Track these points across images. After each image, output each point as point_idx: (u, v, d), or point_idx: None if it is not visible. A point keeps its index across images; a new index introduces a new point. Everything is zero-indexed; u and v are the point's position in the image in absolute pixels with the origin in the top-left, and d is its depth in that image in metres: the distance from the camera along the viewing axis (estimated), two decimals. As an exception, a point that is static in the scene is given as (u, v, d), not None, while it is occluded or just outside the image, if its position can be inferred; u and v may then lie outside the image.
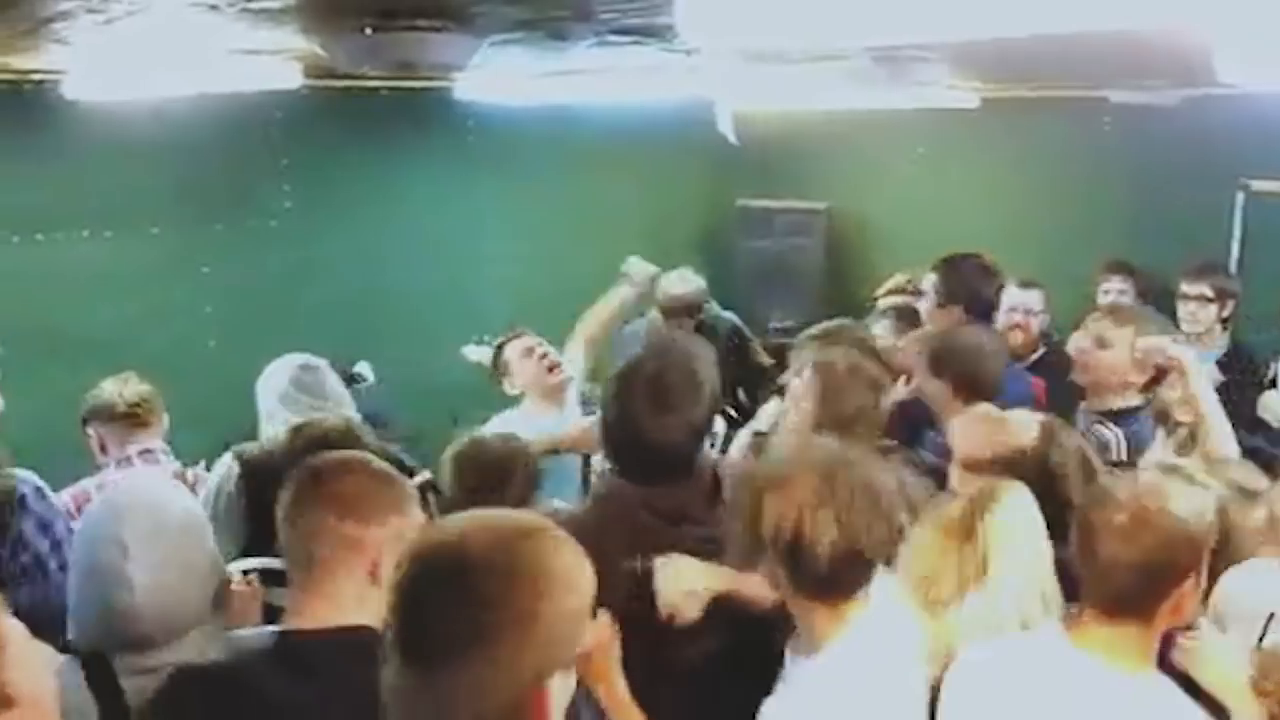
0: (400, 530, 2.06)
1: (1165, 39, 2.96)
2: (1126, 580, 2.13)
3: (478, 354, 5.34)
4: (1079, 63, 4.18)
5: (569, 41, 3.41)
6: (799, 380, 3.46)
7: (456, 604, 1.50)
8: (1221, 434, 3.34)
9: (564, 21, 3.06)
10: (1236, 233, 5.65)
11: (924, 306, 4.57)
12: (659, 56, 3.79)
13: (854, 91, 4.49)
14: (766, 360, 5.76)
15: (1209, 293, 5.10)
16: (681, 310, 5.41)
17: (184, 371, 5.48)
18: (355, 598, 2.04)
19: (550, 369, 4.44)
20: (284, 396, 3.69)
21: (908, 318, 4.84)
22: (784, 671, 2.33)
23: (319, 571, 2.05)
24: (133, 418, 3.96)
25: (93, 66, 3.98)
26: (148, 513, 2.22)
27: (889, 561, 2.42)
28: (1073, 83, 5.50)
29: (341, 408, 3.73)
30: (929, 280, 4.52)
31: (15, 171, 5.53)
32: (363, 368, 5.58)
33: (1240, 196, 5.63)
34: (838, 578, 2.19)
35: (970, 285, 4.42)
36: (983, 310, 4.43)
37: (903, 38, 2.39)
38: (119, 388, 3.98)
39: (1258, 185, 5.56)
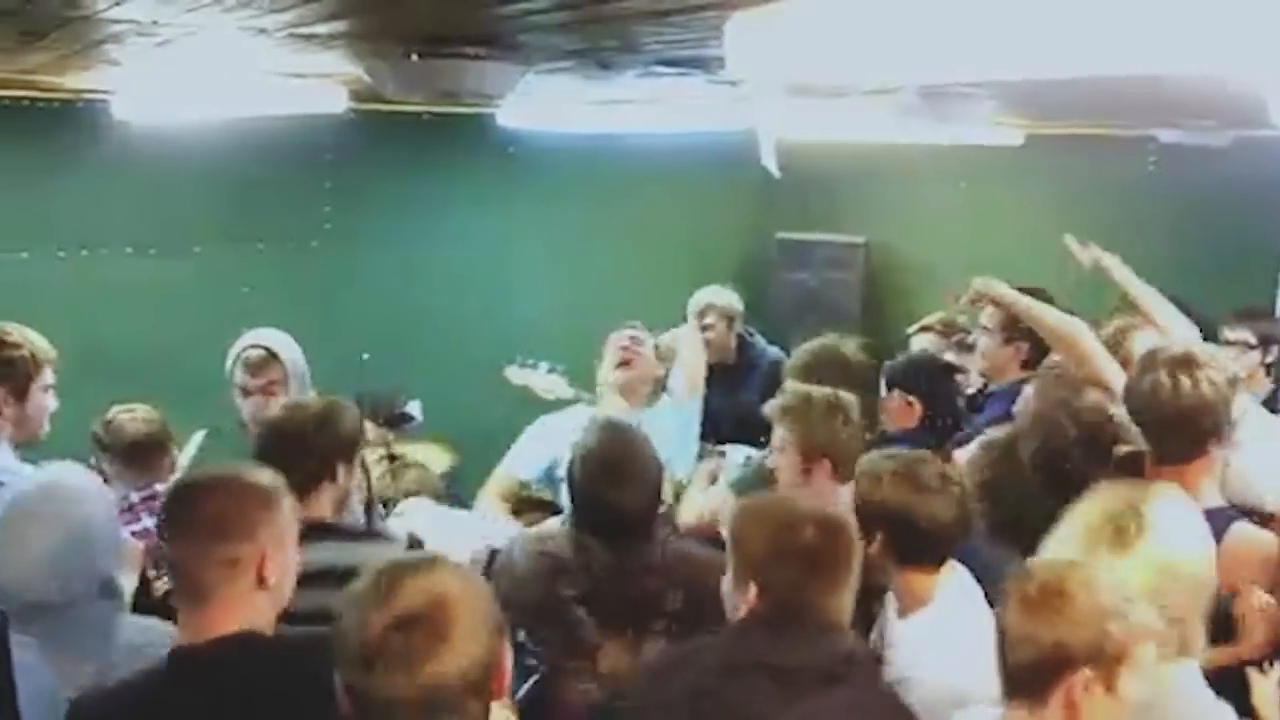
0: (279, 530, 2.16)
1: (1215, 81, 2.94)
2: (1018, 657, 2.05)
3: (521, 376, 5.30)
4: (1127, 102, 4.15)
5: (615, 71, 3.42)
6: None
7: None
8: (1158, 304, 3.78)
9: (611, 52, 3.06)
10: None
11: (985, 342, 4.49)
12: (704, 87, 3.79)
13: (899, 126, 4.47)
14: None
15: (1251, 339, 5.00)
16: (717, 314, 5.36)
17: (225, 388, 5.53)
18: (243, 605, 2.12)
19: (623, 362, 4.48)
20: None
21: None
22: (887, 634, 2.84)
23: (204, 589, 2.10)
24: (134, 457, 3.97)
25: (142, 87, 4.03)
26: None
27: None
28: (1120, 121, 5.46)
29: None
30: (989, 315, 4.43)
31: (64, 188, 5.61)
32: (413, 408, 5.56)
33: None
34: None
35: None
36: (1040, 345, 4.28)
37: (949, 76, 2.37)
38: (126, 418, 4.00)
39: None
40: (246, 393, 3.87)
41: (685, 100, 4.34)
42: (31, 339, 3.47)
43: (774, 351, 5.61)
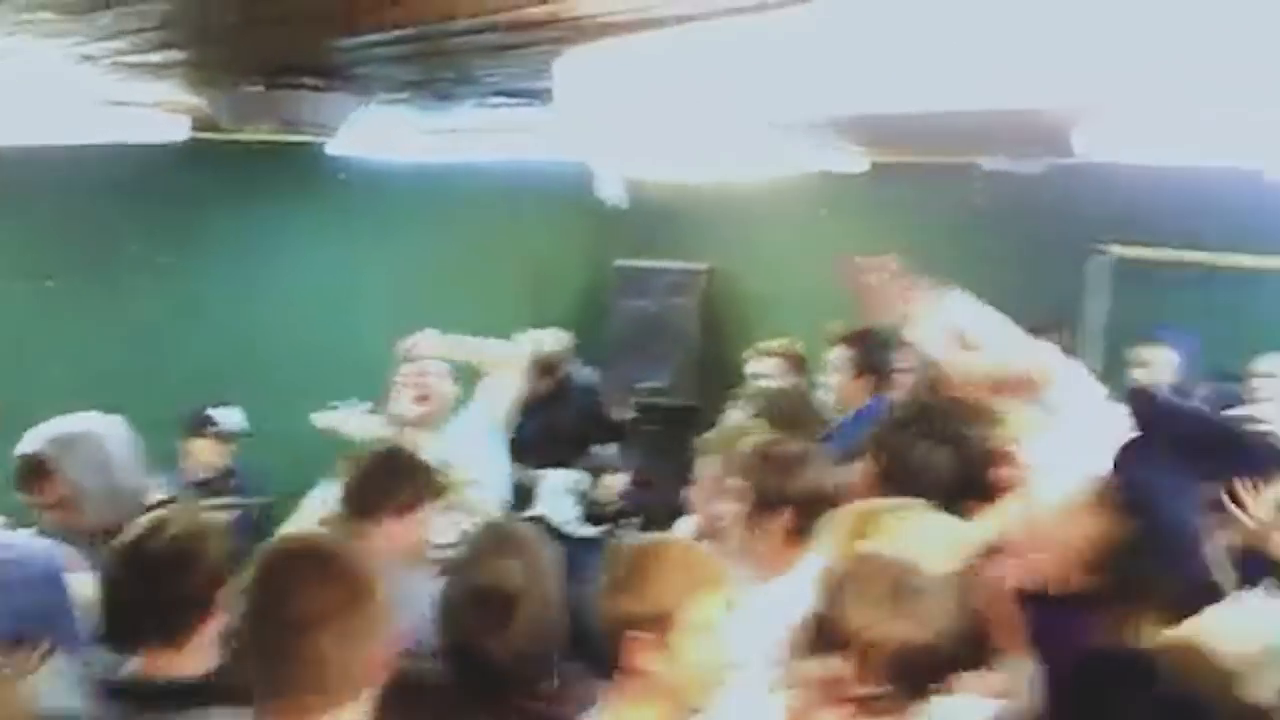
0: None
1: (1033, 112, 3.12)
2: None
3: (328, 420, 5.18)
4: (953, 131, 4.37)
5: (453, 102, 3.46)
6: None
7: None
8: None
9: (449, 83, 3.11)
10: (1096, 295, 5.88)
11: (836, 379, 4.64)
12: (540, 117, 3.85)
13: (740, 159, 4.59)
14: (620, 416, 5.84)
15: None
16: (541, 370, 5.42)
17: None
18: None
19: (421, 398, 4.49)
20: None
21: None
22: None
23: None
24: None
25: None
26: None
27: None
28: (949, 150, 5.71)
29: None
30: (838, 354, 4.61)
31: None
32: (225, 413, 5.43)
33: (1100, 261, 5.88)
34: None
35: (879, 356, 4.55)
36: (888, 377, 4.58)
37: (774, 114, 2.48)
38: None
39: (1118, 250, 5.81)
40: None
41: (522, 129, 4.39)
42: None
43: (587, 374, 5.71)
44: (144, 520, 2.32)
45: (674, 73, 1.83)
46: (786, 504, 2.85)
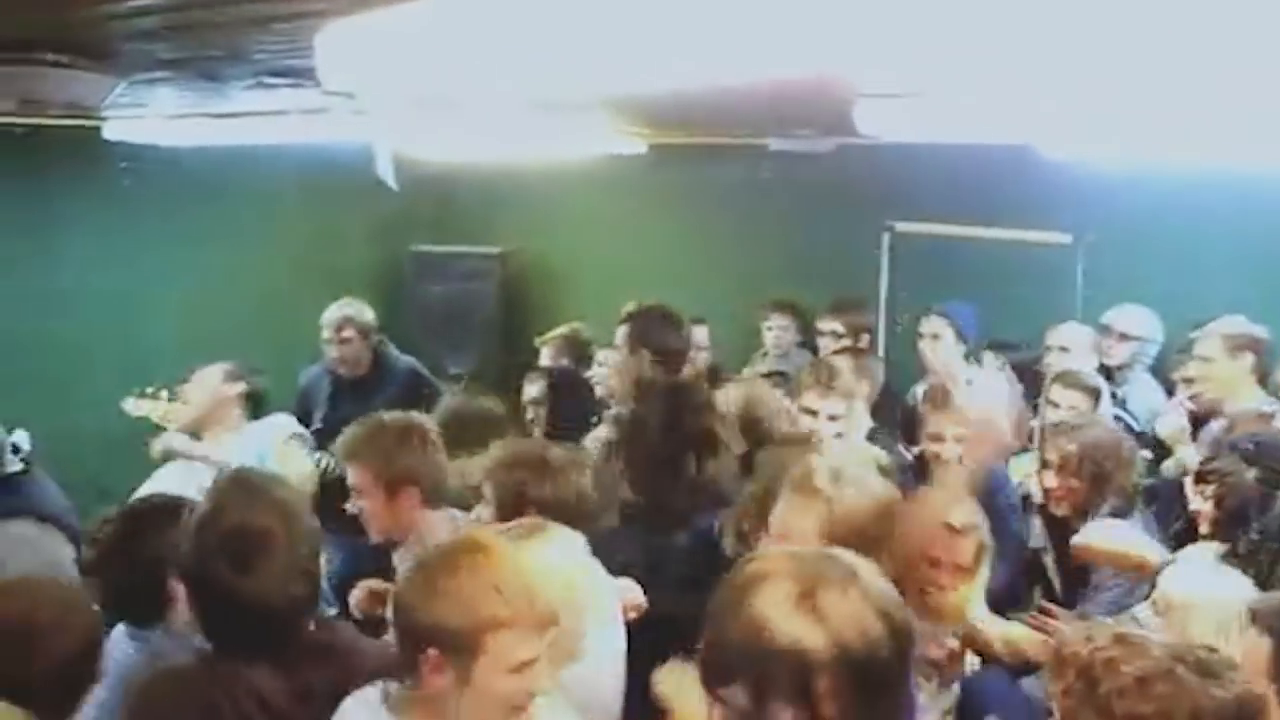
0: None
1: (814, 92, 3.15)
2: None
3: (139, 408, 5.08)
4: (736, 112, 4.39)
5: (223, 82, 3.29)
6: None
7: None
8: None
9: (216, 61, 2.95)
10: (884, 271, 6.04)
11: (615, 357, 4.65)
12: (321, 99, 3.71)
13: (517, 139, 4.53)
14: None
15: (840, 328, 5.50)
16: (349, 325, 5.29)
17: None
18: None
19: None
20: None
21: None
22: None
23: None
24: None
25: None
26: None
27: None
28: (734, 131, 5.76)
29: None
30: (619, 331, 4.57)
31: None
32: (19, 438, 5.18)
33: (886, 237, 6.03)
34: None
35: (656, 332, 4.50)
36: (671, 355, 4.50)
37: (544, 90, 2.42)
38: None
39: (901, 227, 5.97)
40: None
41: (305, 111, 4.24)
42: None
43: (407, 360, 5.60)
44: None
45: (439, 47, 1.75)
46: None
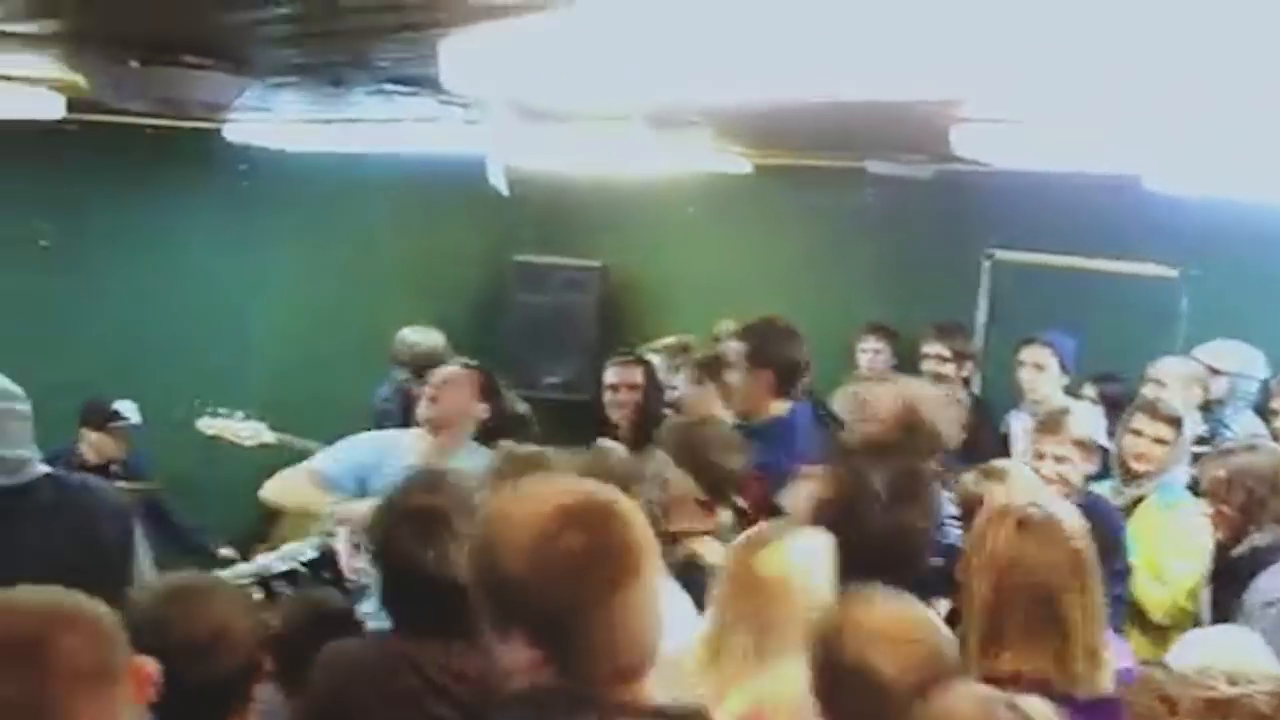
0: None
1: (915, 116, 3.19)
2: None
3: (214, 427, 5.16)
4: (836, 133, 4.43)
5: (345, 88, 3.42)
6: None
7: None
8: None
9: (341, 68, 3.08)
10: (981, 298, 6.02)
11: (733, 375, 4.31)
12: (436, 108, 3.83)
13: (626, 153, 4.60)
14: (521, 408, 5.80)
15: (946, 352, 5.49)
16: (422, 361, 5.38)
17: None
18: None
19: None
20: None
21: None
22: None
23: None
24: None
25: None
26: None
27: None
28: (834, 153, 5.80)
29: None
30: (733, 347, 4.34)
31: None
32: (124, 406, 5.39)
33: (985, 265, 6.02)
34: None
35: (779, 349, 4.25)
36: (795, 371, 4.27)
37: (662, 101, 2.50)
38: None
39: (1001, 254, 5.96)
40: None
41: (420, 120, 4.37)
42: None
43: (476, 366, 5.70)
44: None
45: (557, 59, 1.83)
46: None
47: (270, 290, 6.85)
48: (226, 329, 6.63)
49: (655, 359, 5.50)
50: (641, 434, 4.55)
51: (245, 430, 5.12)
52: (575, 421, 5.93)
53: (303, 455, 5.09)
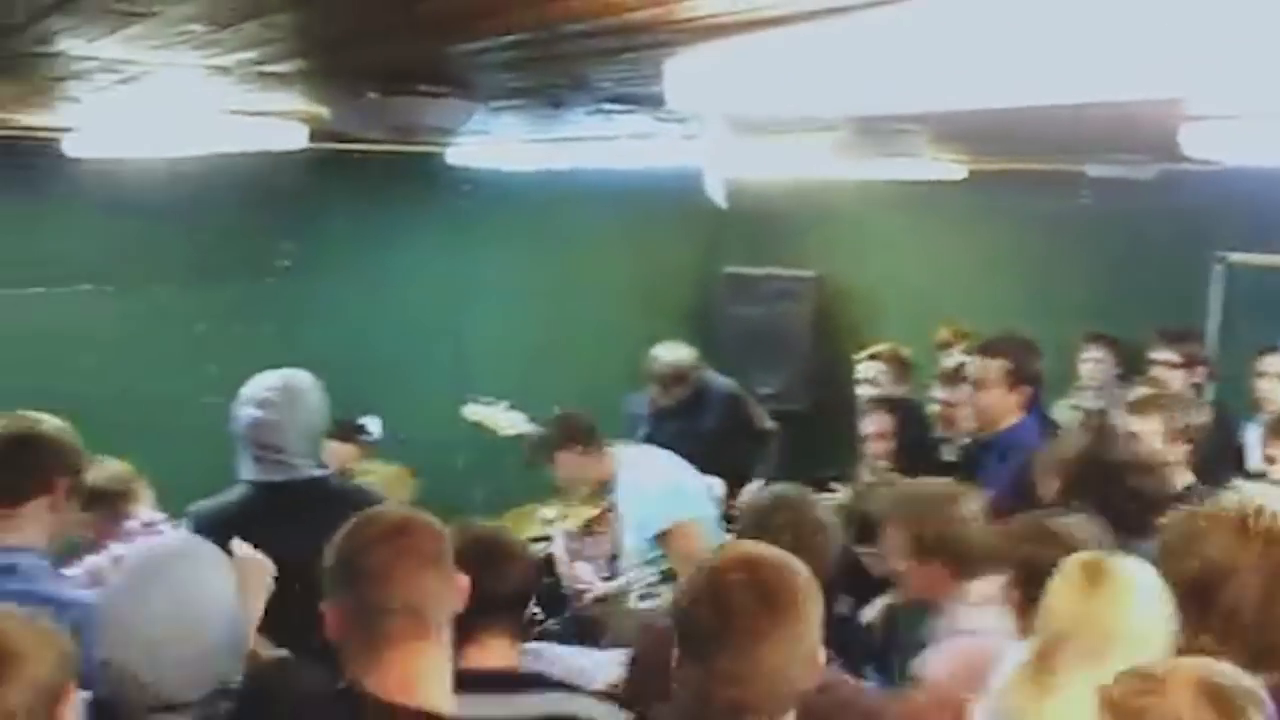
0: None
1: (1139, 116, 3.10)
2: None
3: (478, 413, 5.45)
4: (1056, 136, 4.32)
5: (564, 109, 3.53)
6: None
7: None
8: None
9: (561, 90, 3.18)
10: (1213, 303, 5.77)
11: (988, 397, 4.33)
12: (652, 124, 3.91)
13: (841, 162, 4.61)
14: (769, 424, 5.83)
15: (1176, 358, 5.26)
16: (673, 378, 5.48)
17: (179, 428, 5.56)
18: None
19: None
20: (241, 444, 3.37)
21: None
22: None
23: None
24: (121, 495, 3.97)
25: (100, 124, 4.09)
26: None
27: None
28: (1052, 156, 5.65)
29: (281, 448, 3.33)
30: (984, 364, 4.35)
31: (18, 226, 5.63)
32: (369, 421, 5.67)
33: (1218, 269, 5.77)
34: None
35: (1034, 366, 4.33)
36: (1039, 386, 4.36)
37: (880, 109, 2.50)
38: (96, 472, 3.80)
39: (1234, 258, 5.70)
40: None
41: (634, 137, 4.46)
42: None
43: (726, 382, 5.74)
44: None
45: (783, 72, 1.87)
46: None
47: (489, 304, 7.08)
48: (447, 348, 6.88)
49: (873, 368, 5.46)
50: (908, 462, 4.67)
51: (505, 420, 5.35)
52: (789, 432, 5.95)
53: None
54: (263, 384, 3.38)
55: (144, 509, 4.07)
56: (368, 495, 3.30)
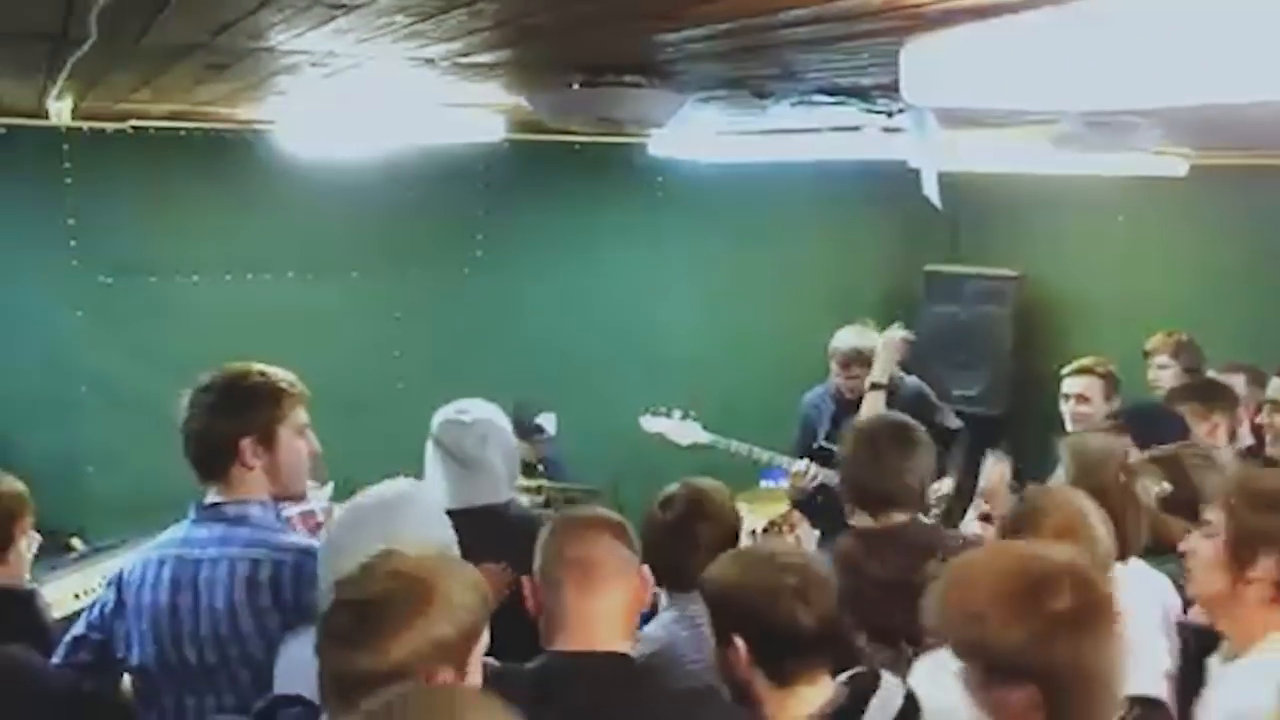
0: None
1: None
2: None
3: (654, 425, 5.38)
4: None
5: (771, 100, 3.41)
6: None
7: None
8: None
9: (769, 80, 3.06)
10: None
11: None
12: (856, 116, 3.75)
13: (1062, 156, 4.36)
14: (956, 423, 5.60)
15: None
16: (857, 360, 5.29)
17: (372, 412, 5.65)
18: None
19: None
20: (431, 455, 3.46)
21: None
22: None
23: None
24: None
25: (307, 118, 4.15)
26: None
27: None
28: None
29: (485, 474, 3.37)
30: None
31: (231, 215, 5.81)
32: (545, 420, 5.66)
33: None
34: None
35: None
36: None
37: (1124, 102, 2.31)
38: None
39: None
40: None
41: (836, 130, 4.31)
42: (275, 374, 2.94)
43: (914, 382, 5.52)
44: None
45: (1017, 62, 1.72)
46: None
47: (683, 301, 7.00)
48: (639, 342, 6.83)
49: (1081, 383, 5.17)
50: None
51: (678, 431, 5.29)
52: (986, 437, 5.69)
53: (733, 457, 5.21)
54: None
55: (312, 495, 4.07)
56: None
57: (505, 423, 3.48)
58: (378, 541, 2.10)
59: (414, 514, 2.42)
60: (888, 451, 3.25)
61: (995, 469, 4.25)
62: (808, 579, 2.35)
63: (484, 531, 3.05)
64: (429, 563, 1.96)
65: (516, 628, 2.34)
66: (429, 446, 3.45)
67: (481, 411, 3.44)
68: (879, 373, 5.09)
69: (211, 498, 2.80)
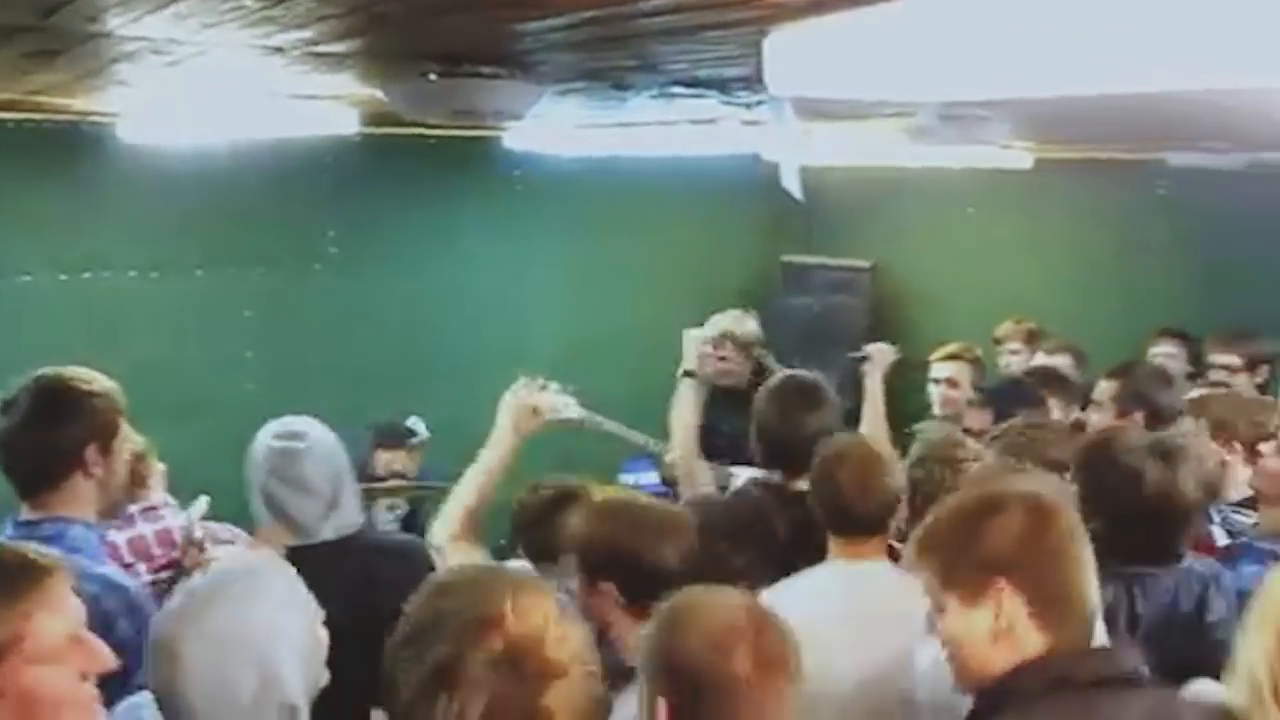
0: None
1: (1230, 100, 2.91)
2: None
3: (532, 399, 5.26)
4: (1139, 124, 4.12)
5: (631, 92, 3.39)
6: None
7: None
8: None
9: (628, 71, 3.04)
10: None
11: (1098, 417, 4.29)
12: (715, 109, 3.76)
13: (913, 150, 4.44)
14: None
15: (1237, 361, 5.02)
16: (735, 345, 5.28)
17: (221, 415, 5.47)
18: None
19: None
20: (263, 488, 2.97)
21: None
22: None
23: None
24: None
25: (150, 109, 4.00)
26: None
27: None
28: (1130, 145, 5.43)
29: (317, 499, 2.95)
30: (1103, 388, 4.32)
31: (67, 211, 5.57)
32: (415, 423, 5.56)
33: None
34: None
35: (1150, 393, 4.24)
36: (1163, 416, 4.17)
37: (975, 93, 2.35)
38: None
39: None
40: None
41: (696, 122, 4.32)
42: (102, 379, 2.76)
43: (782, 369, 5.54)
44: None
45: (880, 52, 1.73)
46: None
47: (543, 292, 6.96)
48: (500, 337, 6.75)
49: (950, 368, 5.26)
50: None
51: (551, 402, 5.15)
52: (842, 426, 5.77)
53: (606, 437, 5.13)
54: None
55: (154, 492, 3.93)
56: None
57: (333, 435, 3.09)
58: (228, 623, 1.93)
59: (270, 597, 2.06)
60: (794, 409, 3.44)
61: None
62: (666, 522, 2.61)
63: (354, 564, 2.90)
64: None
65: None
66: (258, 477, 2.98)
67: (310, 428, 3.04)
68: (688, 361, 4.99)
69: (26, 515, 2.62)
